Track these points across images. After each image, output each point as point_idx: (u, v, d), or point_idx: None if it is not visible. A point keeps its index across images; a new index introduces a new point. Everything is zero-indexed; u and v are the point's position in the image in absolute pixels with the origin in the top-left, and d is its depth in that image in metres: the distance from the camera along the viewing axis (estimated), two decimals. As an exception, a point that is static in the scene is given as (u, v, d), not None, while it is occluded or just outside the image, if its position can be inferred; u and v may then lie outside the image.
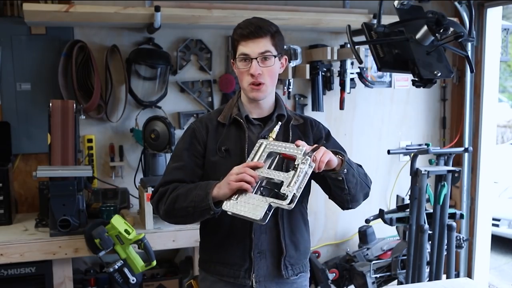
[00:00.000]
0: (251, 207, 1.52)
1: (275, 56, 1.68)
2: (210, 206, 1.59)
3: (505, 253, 5.38)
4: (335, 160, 1.59)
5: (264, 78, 1.67)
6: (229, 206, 1.56)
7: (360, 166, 1.79)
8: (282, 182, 1.52)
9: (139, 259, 2.71)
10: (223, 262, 1.78)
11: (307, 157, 1.51)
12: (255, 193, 1.55)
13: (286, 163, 1.70)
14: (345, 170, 1.61)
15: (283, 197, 1.49)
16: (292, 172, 1.52)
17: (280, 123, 1.72)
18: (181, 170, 1.73)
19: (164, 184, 1.74)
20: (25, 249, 2.60)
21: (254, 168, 1.56)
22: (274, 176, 1.55)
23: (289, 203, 1.48)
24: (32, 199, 3.18)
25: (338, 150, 1.66)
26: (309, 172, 1.51)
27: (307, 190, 1.79)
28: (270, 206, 1.50)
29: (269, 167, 1.60)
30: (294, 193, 1.48)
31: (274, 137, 1.63)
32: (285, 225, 1.75)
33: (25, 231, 2.77)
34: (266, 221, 1.51)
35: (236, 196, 1.56)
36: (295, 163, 1.53)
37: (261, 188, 1.58)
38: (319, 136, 1.82)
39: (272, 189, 1.59)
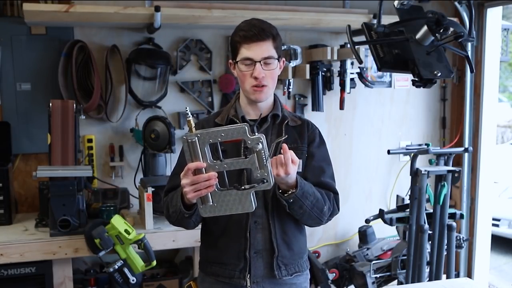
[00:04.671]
0: (236, 202, 1.54)
1: (276, 60, 1.71)
2: (181, 209, 1.63)
3: (505, 253, 5.38)
4: (292, 177, 1.59)
5: (267, 81, 1.69)
6: (208, 211, 1.57)
7: (336, 193, 1.79)
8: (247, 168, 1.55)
9: (139, 259, 2.71)
10: (219, 262, 1.78)
11: (256, 135, 1.49)
12: (227, 188, 1.55)
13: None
14: (291, 200, 1.63)
15: (260, 180, 1.52)
16: (253, 156, 1.51)
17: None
18: (179, 175, 1.74)
19: (166, 192, 1.80)
20: (25, 249, 2.60)
21: (200, 169, 1.51)
22: (235, 166, 1.54)
23: (270, 183, 1.52)
24: (32, 199, 3.18)
25: (321, 163, 1.68)
26: (265, 144, 1.50)
27: None
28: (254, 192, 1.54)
29: (223, 156, 1.55)
30: (269, 171, 1.51)
31: (194, 125, 1.58)
32: (276, 225, 1.75)
33: (25, 231, 2.77)
34: (255, 206, 1.55)
35: (210, 200, 1.55)
36: (249, 146, 1.50)
37: (226, 177, 1.58)
38: (312, 138, 1.82)
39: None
